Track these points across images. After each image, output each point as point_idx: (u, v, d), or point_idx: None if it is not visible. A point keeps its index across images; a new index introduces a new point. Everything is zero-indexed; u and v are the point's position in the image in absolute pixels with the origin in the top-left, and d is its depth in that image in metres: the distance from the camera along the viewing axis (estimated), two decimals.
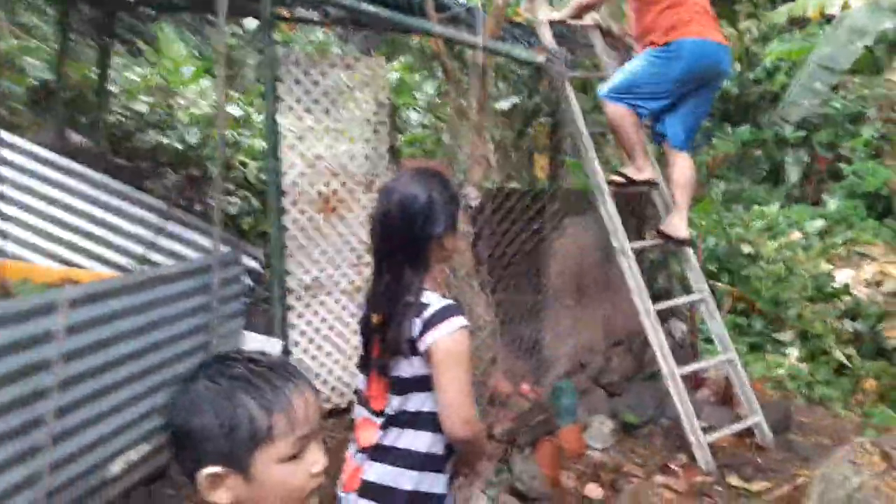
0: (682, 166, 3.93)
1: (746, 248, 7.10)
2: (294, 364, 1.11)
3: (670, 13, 3.79)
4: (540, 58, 3.51)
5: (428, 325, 1.59)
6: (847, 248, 7.12)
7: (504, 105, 6.72)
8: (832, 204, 8.93)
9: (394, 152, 8.00)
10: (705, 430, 3.70)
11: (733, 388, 4.02)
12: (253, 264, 4.99)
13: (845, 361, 5.66)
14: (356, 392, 1.83)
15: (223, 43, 3.17)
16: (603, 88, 3.98)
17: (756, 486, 3.50)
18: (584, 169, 4.08)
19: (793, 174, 10.36)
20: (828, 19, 6.69)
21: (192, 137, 6.66)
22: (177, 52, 8.31)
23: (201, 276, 3.06)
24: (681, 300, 4.22)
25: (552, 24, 4.14)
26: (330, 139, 3.76)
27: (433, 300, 1.62)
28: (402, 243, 1.66)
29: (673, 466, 3.62)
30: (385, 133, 4.08)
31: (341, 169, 3.77)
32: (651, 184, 4.14)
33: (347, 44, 9.25)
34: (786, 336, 6.08)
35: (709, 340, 4.63)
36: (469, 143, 3.35)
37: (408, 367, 1.64)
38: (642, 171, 4.03)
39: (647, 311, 3.84)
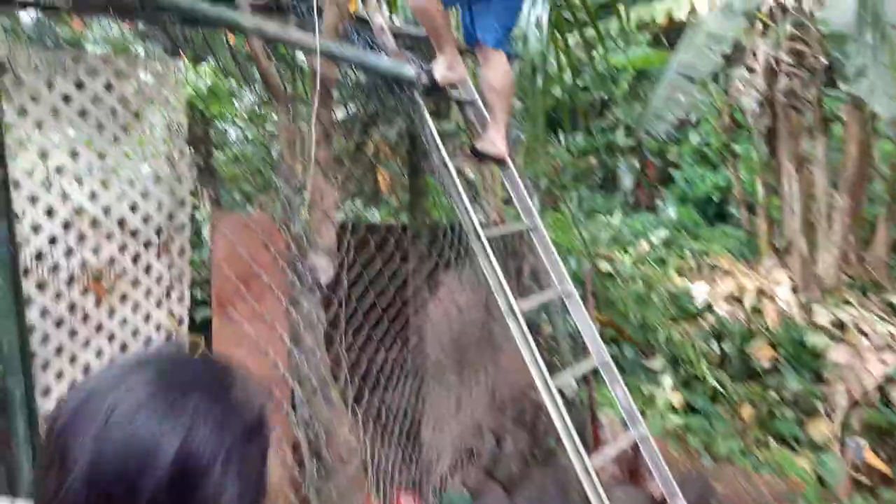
0: (498, 68, 3.31)
1: (605, 266, 6.70)
2: None
3: None
4: (411, 71, 2.49)
5: None
6: (697, 260, 6.97)
7: (338, 115, 5.73)
8: (670, 211, 8.93)
9: (210, 175, 6.66)
10: None
11: (642, 465, 3.36)
12: None
13: (719, 388, 5.36)
14: None
15: None
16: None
17: None
18: (457, 212, 3.22)
19: (626, 181, 10.41)
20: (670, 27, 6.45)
21: None
22: None
23: None
24: (580, 369, 3.47)
25: None
26: (97, 182, 2.54)
27: None
28: None
29: None
30: (185, 167, 2.93)
31: (118, 225, 2.57)
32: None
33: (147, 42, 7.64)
34: (657, 364, 5.70)
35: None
36: (309, 181, 2.35)
37: None
38: (453, 68, 3.35)
39: (546, 385, 3.04)
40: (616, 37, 6.97)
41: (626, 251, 7.35)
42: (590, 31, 5.24)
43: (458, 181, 3.23)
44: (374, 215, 6.81)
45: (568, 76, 8.27)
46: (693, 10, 5.61)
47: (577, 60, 9.12)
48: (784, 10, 5.48)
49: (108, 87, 2.59)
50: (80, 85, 2.56)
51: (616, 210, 9.28)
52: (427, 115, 3.24)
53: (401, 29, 3.66)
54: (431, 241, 3.47)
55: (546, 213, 8.61)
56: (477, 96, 3.72)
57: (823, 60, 5.54)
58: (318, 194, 2.08)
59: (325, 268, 2.13)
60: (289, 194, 2.17)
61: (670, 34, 6.88)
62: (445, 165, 3.23)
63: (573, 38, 5.51)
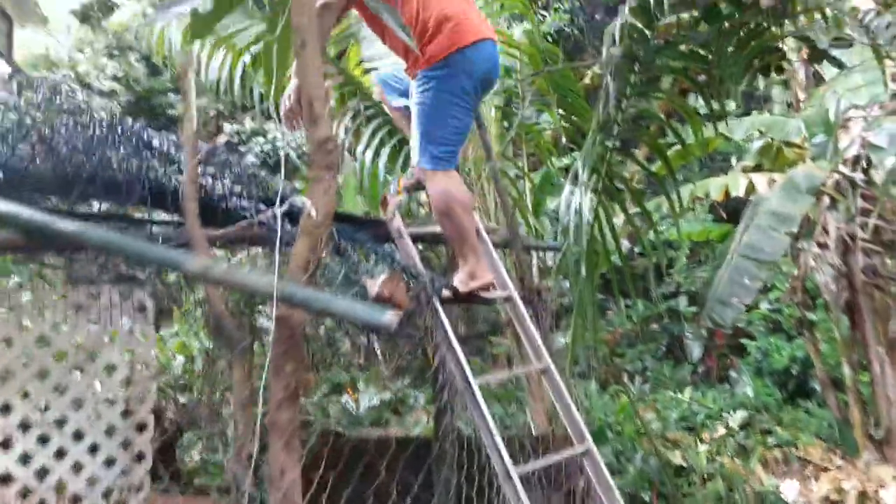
0: (435, 191, 3.13)
1: (676, 458, 6.00)
2: None
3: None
4: (388, 318, 2.03)
5: None
6: (784, 451, 6.20)
7: None
8: (745, 386, 8.21)
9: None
10: None
11: None
12: None
13: None
14: None
15: None
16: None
17: None
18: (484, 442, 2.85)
19: (695, 350, 9.75)
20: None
21: None
22: None
23: None
24: None
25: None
26: (32, 439, 2.26)
27: None
28: None
29: None
30: (147, 412, 2.67)
31: (54, 492, 2.25)
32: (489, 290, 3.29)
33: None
34: None
35: None
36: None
37: None
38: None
39: None
40: (665, 215, 6.78)
41: (699, 437, 6.64)
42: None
43: (484, 407, 2.89)
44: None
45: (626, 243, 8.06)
46: (752, 188, 5.36)
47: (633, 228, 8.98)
48: (853, 184, 5.16)
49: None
50: None
51: (680, 381, 8.62)
52: (448, 330, 2.97)
53: (419, 231, 3.51)
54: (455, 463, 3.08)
55: (608, 391, 8.03)
56: (515, 293, 3.45)
57: None
58: (277, 468, 1.75)
59: None
60: (238, 474, 1.87)
61: (729, 205, 6.65)
62: (469, 386, 2.91)
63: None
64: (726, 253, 4.65)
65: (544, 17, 10.86)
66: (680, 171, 7.71)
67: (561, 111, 5.03)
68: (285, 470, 1.76)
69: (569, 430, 3.37)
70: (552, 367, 3.39)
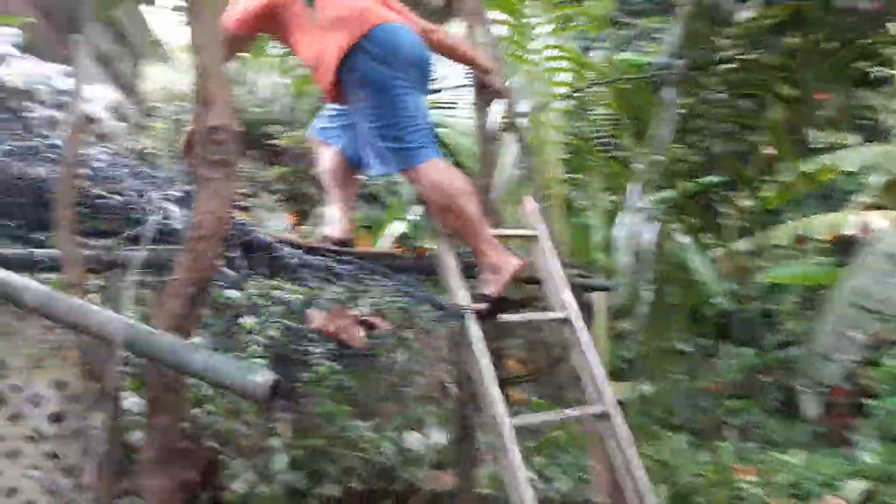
0: (436, 183, 2.83)
1: None
2: None
3: None
4: (262, 378, 1.48)
5: None
6: None
7: None
8: (867, 454, 7.19)
9: None
10: None
11: None
12: None
13: None
14: None
15: None
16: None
17: None
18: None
19: (810, 408, 8.71)
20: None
21: None
22: None
23: None
24: None
25: None
26: None
27: None
28: None
29: None
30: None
31: None
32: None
33: None
34: None
35: None
36: None
37: None
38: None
39: None
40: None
41: None
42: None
43: (515, 453, 2.53)
44: None
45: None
46: (866, 227, 4.68)
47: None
48: None
49: None
50: None
51: (791, 441, 7.69)
52: (481, 358, 2.63)
53: None
54: None
55: (702, 447, 7.29)
56: (574, 312, 3.05)
57: None
58: None
59: None
60: None
61: (838, 246, 5.87)
62: (498, 424, 2.55)
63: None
64: (831, 300, 4.03)
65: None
66: (789, 208, 6.99)
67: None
68: None
69: (625, 493, 2.94)
70: (615, 412, 2.95)
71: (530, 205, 3.18)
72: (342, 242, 3.07)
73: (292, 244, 2.56)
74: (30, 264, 1.94)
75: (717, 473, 5.83)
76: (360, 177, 3.50)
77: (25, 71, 3.88)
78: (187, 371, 1.48)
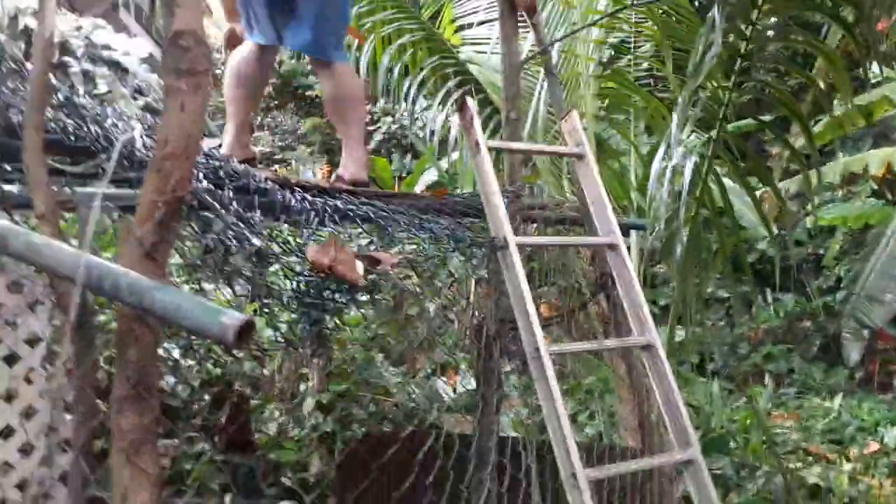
0: (349, 81, 3.18)
1: (812, 477, 5.20)
2: None
3: None
4: (226, 322, 1.31)
5: None
6: None
7: None
8: None
9: None
10: None
11: None
12: None
13: None
14: None
15: None
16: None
17: None
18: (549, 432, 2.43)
19: (853, 353, 8.51)
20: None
21: None
22: None
23: None
24: None
25: None
26: None
27: None
28: None
29: None
30: None
31: None
32: None
33: None
34: None
35: None
36: None
37: None
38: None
39: None
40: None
41: (844, 455, 5.73)
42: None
43: (553, 383, 2.45)
44: None
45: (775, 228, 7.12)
46: None
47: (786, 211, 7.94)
48: None
49: None
50: None
51: (832, 388, 7.55)
52: (521, 282, 2.52)
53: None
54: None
55: (739, 394, 7.19)
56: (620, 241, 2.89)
57: None
58: (119, 490, 1.30)
59: None
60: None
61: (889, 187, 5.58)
62: (539, 355, 2.47)
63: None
64: (880, 239, 3.83)
65: None
66: (844, 149, 6.66)
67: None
68: (129, 492, 1.32)
69: (670, 430, 2.81)
70: (658, 344, 2.81)
71: (574, 121, 2.94)
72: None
73: (303, 187, 2.47)
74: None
75: (752, 419, 5.74)
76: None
77: (60, 24, 3.83)
78: (149, 311, 1.36)
